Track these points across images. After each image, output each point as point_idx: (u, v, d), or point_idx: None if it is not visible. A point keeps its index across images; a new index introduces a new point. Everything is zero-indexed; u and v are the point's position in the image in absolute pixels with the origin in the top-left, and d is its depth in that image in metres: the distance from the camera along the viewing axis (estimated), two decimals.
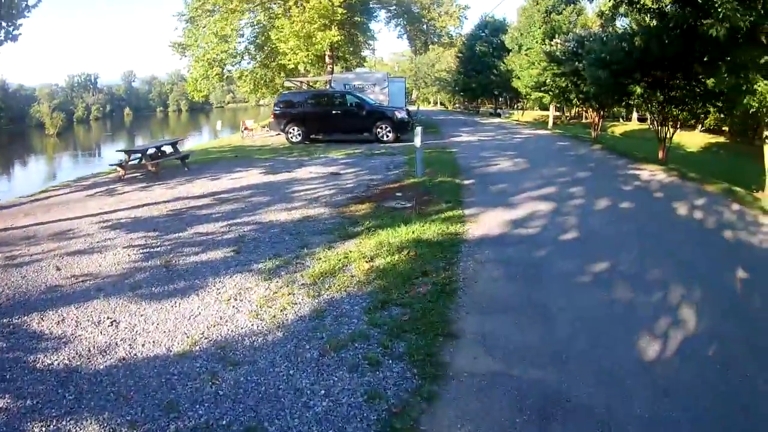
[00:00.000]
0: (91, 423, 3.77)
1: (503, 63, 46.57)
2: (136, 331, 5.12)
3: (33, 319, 5.44)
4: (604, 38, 20.54)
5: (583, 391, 4.05)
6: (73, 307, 5.72)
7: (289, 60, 32.34)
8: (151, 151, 15.73)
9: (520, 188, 11.80)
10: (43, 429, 3.71)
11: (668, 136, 18.92)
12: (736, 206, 10.46)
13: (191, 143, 43.25)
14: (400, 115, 22.90)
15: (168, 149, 16.59)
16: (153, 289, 6.19)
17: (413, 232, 7.87)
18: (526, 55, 38.89)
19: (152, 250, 7.68)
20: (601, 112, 27.59)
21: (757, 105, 12.06)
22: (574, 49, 25.98)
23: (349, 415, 3.77)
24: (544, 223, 8.85)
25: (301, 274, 6.44)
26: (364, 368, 4.33)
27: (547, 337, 4.89)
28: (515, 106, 64.66)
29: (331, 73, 32.91)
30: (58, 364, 4.56)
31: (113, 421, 3.78)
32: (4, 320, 5.43)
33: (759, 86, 11.67)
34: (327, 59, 35.55)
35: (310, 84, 34.33)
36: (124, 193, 12.36)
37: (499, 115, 56.09)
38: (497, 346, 4.70)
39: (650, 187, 12.39)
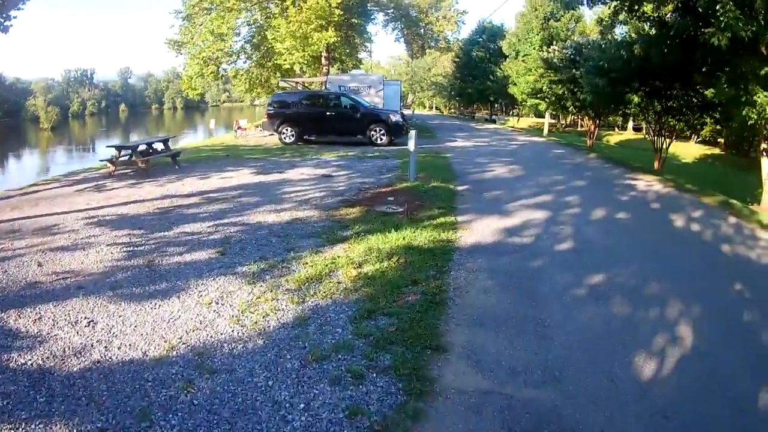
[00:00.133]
0: (60, 428, 3.57)
1: (500, 69, 46.61)
2: (113, 333, 4.89)
3: (10, 316, 5.21)
4: (603, 46, 20.43)
5: (578, 412, 3.84)
6: (52, 305, 5.50)
7: (285, 60, 32.17)
8: (141, 147, 15.49)
9: (515, 195, 11.61)
10: None
11: (664, 146, 18.84)
12: (733, 219, 10.31)
13: (185, 141, 43.05)
14: (395, 118, 22.76)
15: (159, 146, 16.34)
16: (133, 289, 5.95)
17: (404, 239, 7.63)
18: (523, 61, 38.96)
19: (136, 248, 7.43)
20: (597, 121, 27.52)
21: (756, 117, 11.96)
22: (572, 56, 26.00)
23: None
24: (539, 233, 8.64)
25: (287, 278, 6.19)
26: (347, 381, 4.10)
27: (540, 353, 4.66)
28: (511, 113, 64.76)
29: (327, 74, 32.73)
30: (32, 364, 4.36)
31: (83, 426, 3.59)
32: None
33: (759, 98, 11.57)
34: (323, 60, 35.41)
35: (306, 85, 34.15)
36: (112, 189, 12.10)
37: (494, 121, 56.07)
38: (488, 361, 4.48)
39: (647, 198, 12.22)
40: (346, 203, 10.36)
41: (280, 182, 12.96)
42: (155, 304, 5.54)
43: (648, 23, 16.19)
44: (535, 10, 40.64)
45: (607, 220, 9.86)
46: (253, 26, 36.41)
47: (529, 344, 4.80)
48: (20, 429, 3.56)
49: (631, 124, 49.41)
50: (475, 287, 6.09)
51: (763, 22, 10.87)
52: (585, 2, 16.36)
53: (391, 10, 44.73)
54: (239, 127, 30.54)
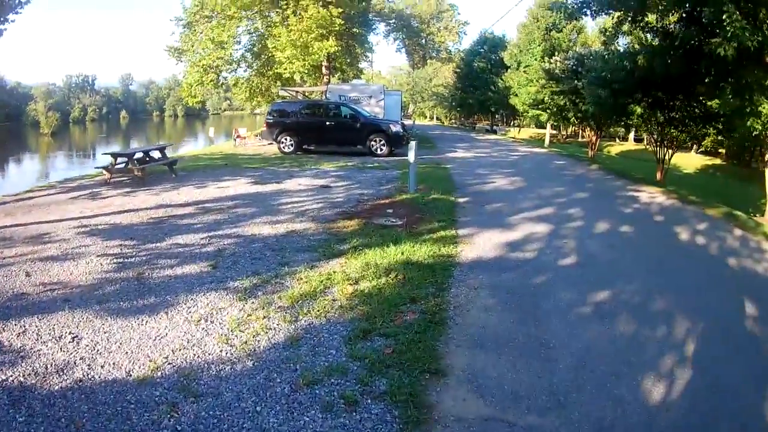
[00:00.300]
0: None
1: (501, 80, 46.52)
2: (97, 350, 4.68)
3: None
4: (606, 56, 20.28)
5: None
6: (37, 318, 5.29)
7: (285, 69, 32.07)
8: (138, 155, 15.31)
9: (517, 208, 11.40)
10: None
11: (667, 157, 18.68)
12: (738, 232, 10.13)
13: (185, 149, 42.90)
14: (395, 128, 22.60)
15: (156, 154, 16.18)
16: (121, 303, 5.72)
17: (402, 253, 7.40)
18: (524, 72, 38.87)
19: (126, 260, 7.21)
20: (599, 132, 27.41)
21: (760, 128, 11.85)
22: (574, 67, 25.92)
23: None
24: (542, 247, 8.42)
25: (279, 295, 5.95)
26: (340, 408, 3.85)
27: (544, 376, 4.42)
28: (512, 123, 64.66)
29: (328, 83, 32.61)
30: (13, 381, 4.16)
31: None
32: None
33: (764, 108, 11.46)
34: (324, 70, 35.31)
35: (306, 94, 34.04)
36: (107, 197, 11.91)
37: (495, 132, 55.93)
38: (489, 386, 4.24)
39: (650, 210, 12.02)
40: (344, 215, 10.14)
41: (278, 193, 12.74)
42: (142, 320, 5.32)
43: (651, 34, 16.06)
44: (537, 21, 40.56)
45: (611, 233, 9.64)
46: (253, 35, 36.31)
47: (533, 367, 4.56)
48: None
49: (632, 135, 49.30)
50: (476, 305, 5.85)
51: None
52: (588, 13, 16.19)
53: (393, 21, 45.00)
54: (238, 136, 30.41)
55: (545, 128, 42.88)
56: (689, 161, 36.25)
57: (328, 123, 22.52)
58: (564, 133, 55.36)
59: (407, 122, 41.48)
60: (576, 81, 24.73)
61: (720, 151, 39.50)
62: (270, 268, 6.92)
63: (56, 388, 4.10)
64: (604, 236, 9.42)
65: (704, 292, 6.73)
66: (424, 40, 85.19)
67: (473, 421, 3.78)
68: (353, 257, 7.31)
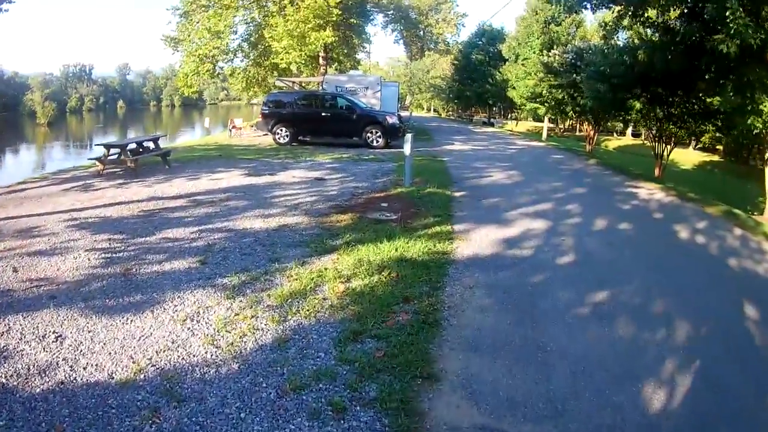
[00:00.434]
0: None
1: (499, 72, 46.23)
2: (80, 351, 4.53)
3: None
4: (605, 51, 20.09)
5: None
6: (21, 316, 5.14)
7: (282, 59, 31.86)
8: (131, 146, 15.12)
9: (514, 203, 11.23)
10: None
11: (665, 153, 18.55)
12: (738, 231, 9.97)
13: (182, 139, 42.70)
14: (392, 120, 22.33)
15: (150, 145, 15.98)
16: (107, 300, 5.56)
17: (396, 250, 7.21)
18: (522, 65, 38.68)
19: (114, 255, 7.04)
20: (597, 126, 27.27)
21: (761, 126, 11.72)
22: (573, 61, 25.73)
23: None
24: (539, 244, 8.24)
25: (268, 293, 5.77)
26: (327, 416, 3.69)
27: (541, 382, 4.26)
28: (509, 116, 64.46)
29: (325, 74, 32.39)
30: None
31: None
32: None
33: (765, 107, 11.33)
34: (321, 60, 35.10)
35: (303, 84, 33.83)
36: (99, 189, 11.73)
37: (492, 125, 55.66)
38: (484, 392, 4.08)
39: (649, 207, 11.85)
40: (337, 209, 9.96)
41: (271, 185, 12.54)
42: (127, 318, 5.16)
43: (652, 29, 15.89)
44: (536, 14, 40.35)
45: (610, 230, 9.47)
46: (250, 24, 36.09)
47: (529, 372, 4.40)
48: None
49: (629, 130, 49.19)
50: (472, 306, 5.67)
51: None
52: (588, 6, 16.00)
53: (391, 12, 44.77)
54: (234, 127, 30.19)
55: (543, 122, 42.67)
56: (687, 157, 36.17)
57: (324, 114, 22.31)
58: (561, 126, 55.28)
59: (404, 114, 41.17)
60: (574, 75, 24.54)
61: (718, 147, 39.42)
62: (260, 264, 6.75)
63: (38, 390, 3.98)
64: (602, 233, 9.25)
65: (705, 294, 6.58)
66: (422, 32, 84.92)
67: (467, 430, 3.63)
68: (346, 253, 7.13)
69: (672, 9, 13.88)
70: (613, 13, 15.43)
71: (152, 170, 14.38)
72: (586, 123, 28.20)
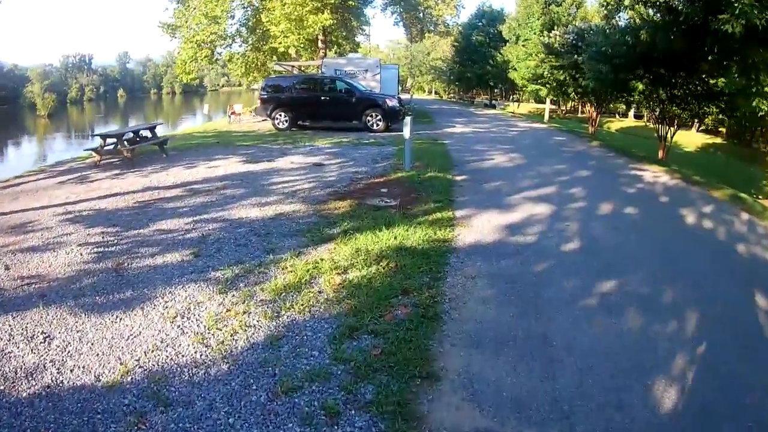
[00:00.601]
0: None
1: (500, 54, 45.78)
2: (68, 352, 4.38)
3: None
4: (607, 31, 19.78)
5: None
6: (11, 316, 5.01)
7: (280, 43, 31.56)
8: (128, 135, 14.90)
9: (517, 187, 11.00)
10: None
11: (669, 135, 18.29)
12: (745, 215, 9.74)
13: (182, 126, 42.51)
14: (391, 103, 22.05)
15: (146, 134, 15.76)
16: (96, 298, 5.39)
17: (396, 238, 7.00)
18: (523, 46, 38.33)
19: (107, 249, 6.88)
20: (600, 108, 27.01)
21: (766, 108, 11.48)
22: (574, 41, 25.42)
23: None
24: (543, 230, 8.02)
25: (262, 287, 5.56)
26: (320, 421, 3.49)
27: (547, 380, 4.05)
28: (510, 98, 64.02)
29: (324, 57, 32.08)
30: None
31: None
32: None
33: None
34: (320, 44, 34.78)
35: (302, 68, 33.53)
36: (95, 180, 11.57)
37: (494, 107, 55.31)
38: (487, 392, 3.87)
39: (654, 190, 11.61)
40: (335, 196, 9.75)
41: (269, 172, 12.34)
42: (116, 317, 4.99)
43: (653, 9, 15.61)
44: None
45: (615, 215, 9.25)
46: (248, 9, 35.72)
47: (534, 369, 4.19)
48: None
49: (632, 112, 48.87)
50: (474, 297, 5.46)
51: None
52: None
53: None
54: (233, 113, 29.92)
55: (545, 103, 42.33)
56: (690, 139, 35.85)
57: (323, 98, 22.02)
58: (563, 108, 54.90)
59: (405, 96, 40.80)
60: (576, 56, 24.25)
61: (721, 130, 39.16)
62: (254, 255, 6.56)
63: (24, 394, 3.86)
64: (607, 218, 9.02)
65: (714, 282, 6.36)
66: (421, 14, 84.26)
67: None
68: (343, 243, 6.92)
69: None
70: None
71: (150, 159, 14.20)
72: (589, 104, 27.94)
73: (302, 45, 33.01)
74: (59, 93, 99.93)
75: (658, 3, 14.78)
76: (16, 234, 7.59)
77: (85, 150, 15.71)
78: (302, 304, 5.14)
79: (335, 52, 37.21)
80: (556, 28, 31.33)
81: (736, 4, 10.06)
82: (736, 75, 12.59)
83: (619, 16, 19.09)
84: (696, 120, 27.17)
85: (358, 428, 3.43)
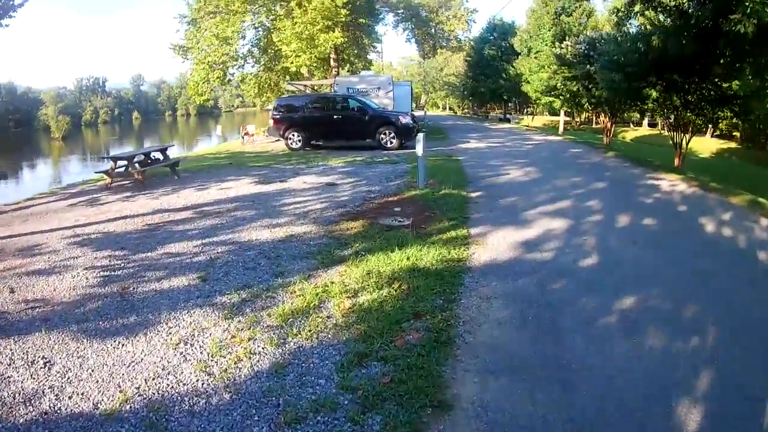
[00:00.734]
0: None
1: (512, 67, 45.81)
2: (68, 378, 4.30)
3: None
4: (618, 39, 19.62)
5: None
6: (13, 340, 4.97)
7: (292, 63, 31.65)
8: (139, 158, 14.92)
9: (532, 202, 10.81)
10: None
11: (684, 142, 18.07)
12: (765, 221, 9.44)
13: (198, 148, 42.76)
14: (405, 120, 22.00)
15: (158, 156, 15.76)
16: (100, 323, 5.31)
17: (408, 258, 6.81)
18: (535, 58, 38.28)
19: (113, 273, 6.82)
20: (614, 118, 26.81)
21: None
22: (586, 51, 25.29)
23: None
24: (560, 246, 7.80)
25: (269, 312, 5.41)
26: None
27: (565, 409, 3.83)
28: (525, 111, 63.89)
29: (337, 75, 32.13)
30: None
31: None
32: None
33: None
34: (332, 62, 34.87)
35: (315, 87, 33.59)
36: (105, 203, 11.63)
37: (508, 121, 55.19)
38: (502, 422, 3.66)
39: (672, 200, 11.36)
40: (348, 216, 9.62)
41: (281, 192, 12.26)
42: (119, 342, 4.89)
43: (664, 14, 15.47)
44: (546, 5, 39.81)
45: (633, 227, 9.02)
46: (259, 29, 35.94)
47: (552, 397, 3.98)
48: None
49: (646, 120, 48.59)
50: (489, 319, 5.25)
51: None
52: None
53: (401, 11, 44.38)
54: (246, 133, 30.01)
55: (559, 115, 42.16)
56: (705, 145, 35.58)
57: (335, 117, 22.01)
58: (578, 119, 54.73)
59: (419, 113, 40.79)
60: (588, 65, 24.11)
61: (735, 134, 38.85)
62: (262, 279, 6.43)
63: (21, 421, 3.79)
64: (625, 231, 8.79)
65: (739, 297, 6.06)
66: (433, 30, 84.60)
67: None
68: (354, 265, 6.76)
69: None
70: None
71: (161, 181, 14.23)
72: (603, 114, 27.74)
73: (314, 64, 33.11)
74: (73, 116, 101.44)
75: (668, 7, 14.65)
76: (24, 257, 7.61)
77: (96, 172, 15.80)
78: (310, 330, 4.98)
79: (348, 70, 37.31)
80: (567, 38, 31.19)
81: (747, 3, 9.96)
82: (749, 77, 12.44)
83: (630, 23, 18.92)
84: (710, 125, 26.91)
85: None
